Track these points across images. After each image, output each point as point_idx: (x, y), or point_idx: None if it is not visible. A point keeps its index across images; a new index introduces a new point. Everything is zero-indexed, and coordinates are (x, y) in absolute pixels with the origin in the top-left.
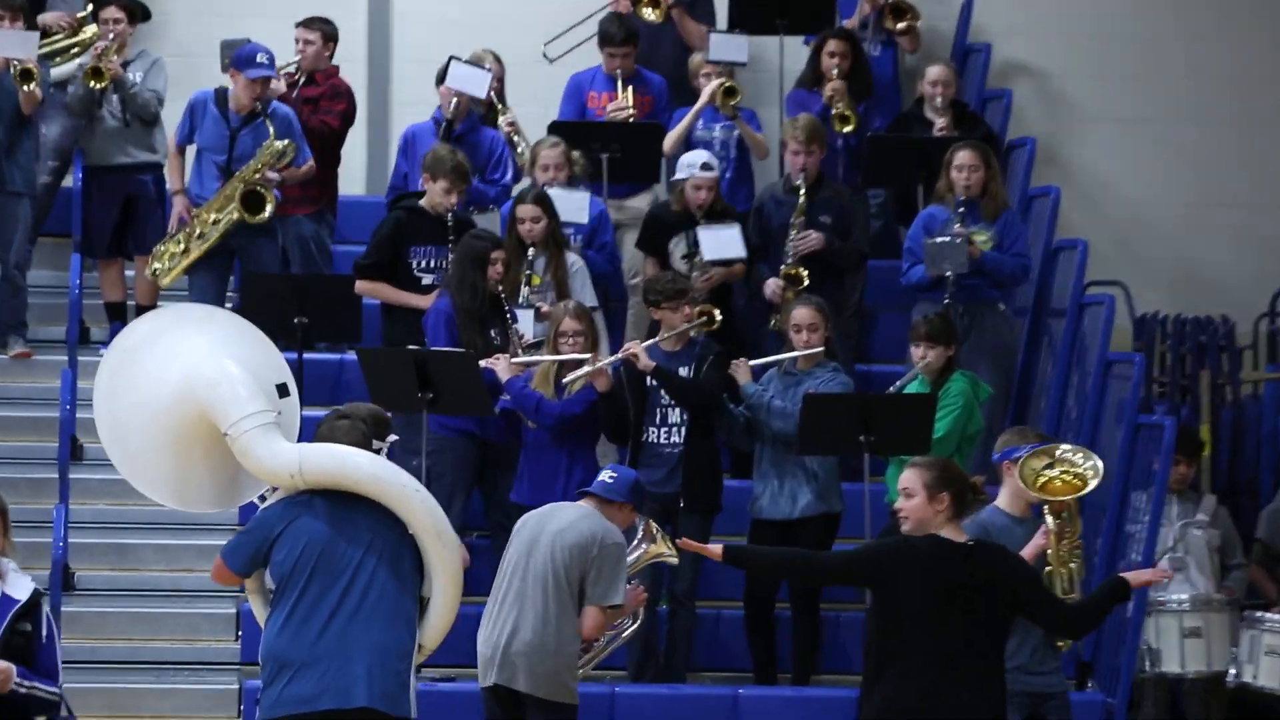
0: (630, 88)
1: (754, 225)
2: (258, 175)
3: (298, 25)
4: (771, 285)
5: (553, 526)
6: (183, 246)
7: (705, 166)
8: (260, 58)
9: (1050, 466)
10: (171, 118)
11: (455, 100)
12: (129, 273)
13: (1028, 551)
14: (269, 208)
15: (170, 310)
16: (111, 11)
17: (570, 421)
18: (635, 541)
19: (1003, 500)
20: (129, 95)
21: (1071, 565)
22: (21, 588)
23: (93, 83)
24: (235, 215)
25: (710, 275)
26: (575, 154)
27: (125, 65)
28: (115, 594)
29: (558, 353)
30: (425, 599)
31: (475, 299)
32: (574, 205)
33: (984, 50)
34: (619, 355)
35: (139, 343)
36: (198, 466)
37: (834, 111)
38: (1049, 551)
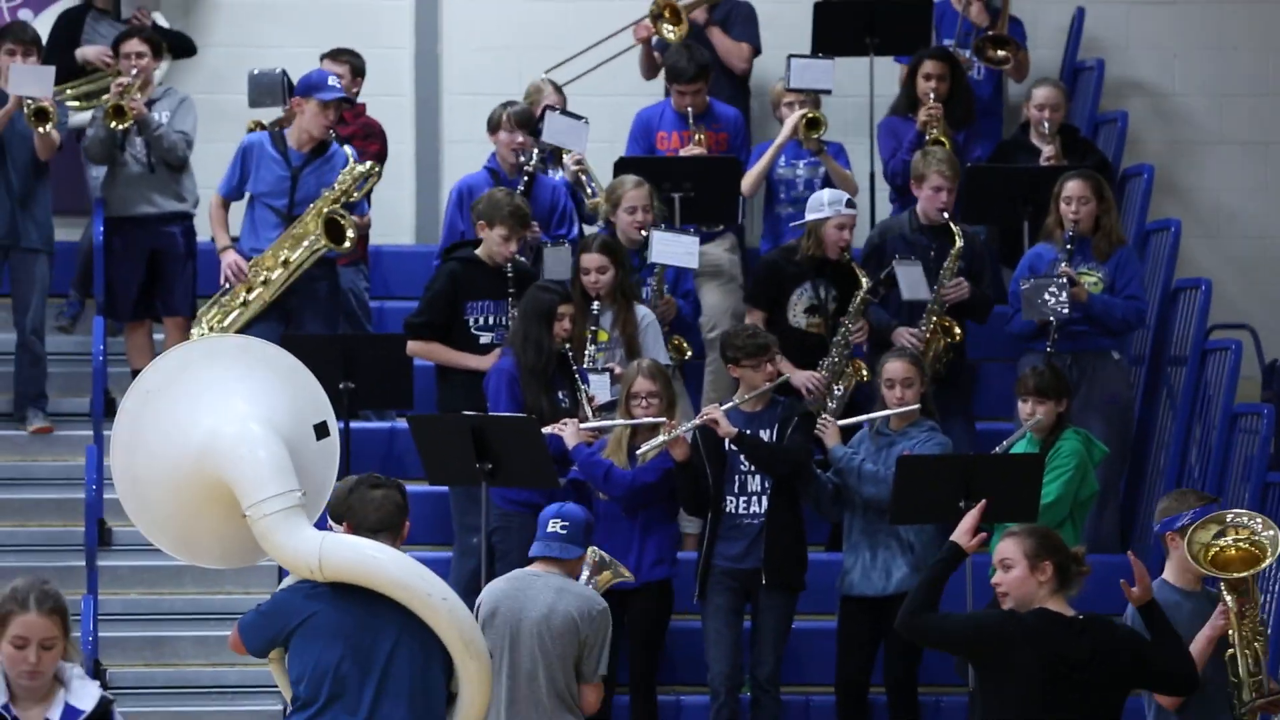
0: (702, 127)
1: (874, 268)
2: (336, 204)
3: (323, 58)
4: (905, 336)
5: (532, 615)
6: (241, 299)
7: (850, 204)
8: (332, 80)
9: (1221, 534)
10: (203, 162)
11: (536, 151)
12: (158, 336)
13: (1205, 633)
14: (351, 234)
15: (201, 344)
16: (134, 45)
17: (643, 492)
18: (585, 577)
19: (1169, 573)
20: (154, 137)
21: (1256, 644)
22: (87, 696)
23: (114, 123)
24: (319, 246)
25: (862, 326)
26: (656, 198)
27: (150, 104)
28: (151, 692)
29: (630, 417)
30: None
31: (541, 358)
32: (682, 249)
33: (1096, 68)
34: (696, 420)
35: (163, 384)
36: (218, 526)
37: (927, 139)
38: (1230, 633)
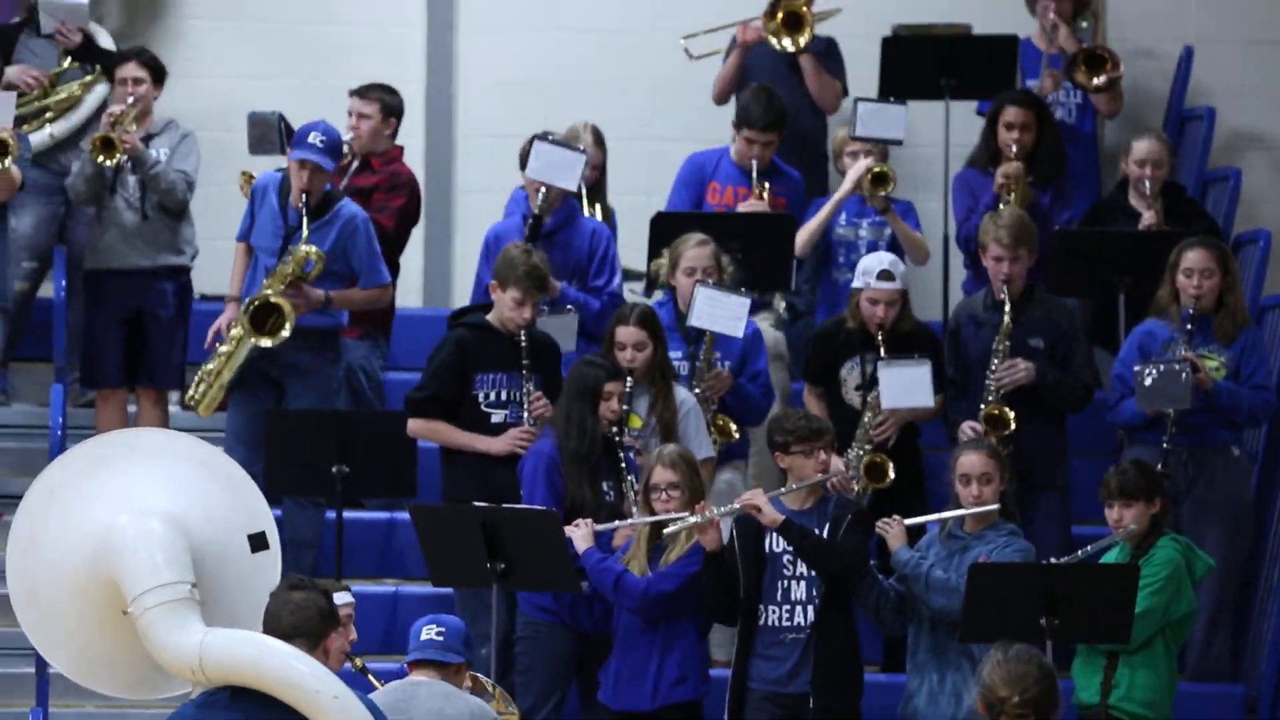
0: (765, 184)
1: (949, 354)
2: (280, 286)
3: (352, 94)
4: (967, 430)
5: None
6: (212, 368)
7: (884, 275)
8: (313, 137)
9: None
10: (205, 208)
11: (542, 190)
12: (131, 408)
13: None
14: (287, 328)
15: (114, 437)
16: (131, 69)
17: (660, 602)
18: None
19: None
20: (150, 177)
21: None
22: None
23: (102, 158)
24: (249, 342)
25: (888, 421)
26: (725, 258)
27: (147, 139)
28: None
29: (651, 512)
30: None
31: (584, 442)
32: (727, 312)
33: (1205, 117)
34: (735, 505)
35: (71, 479)
36: (117, 643)
37: (1003, 204)
38: None
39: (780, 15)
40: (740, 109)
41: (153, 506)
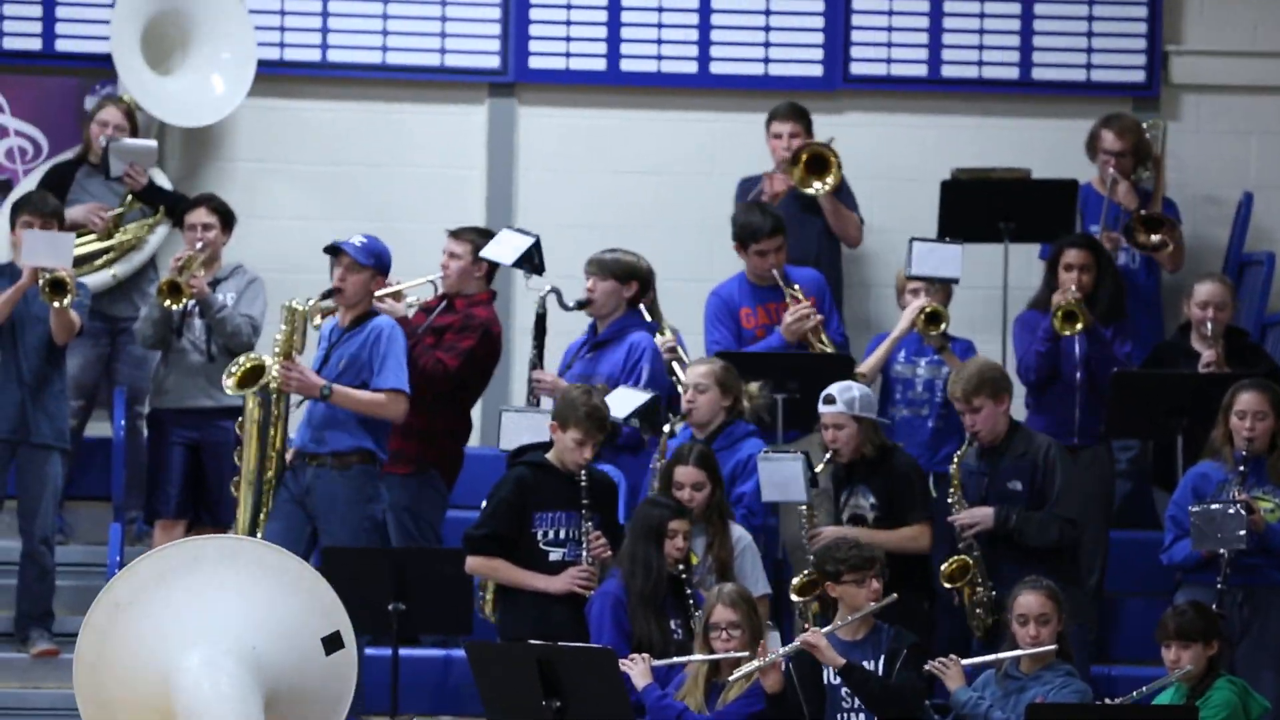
0: (791, 292)
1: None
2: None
3: (448, 235)
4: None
5: None
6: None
7: (826, 399)
8: (355, 239)
9: None
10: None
11: (547, 286)
12: None
13: None
14: (269, 383)
15: (183, 547)
16: (201, 215)
17: None
18: None
19: None
20: (217, 321)
21: None
22: None
23: (168, 303)
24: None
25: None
26: (754, 386)
27: (214, 284)
28: None
29: (710, 651)
30: None
31: (650, 581)
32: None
33: (1266, 262)
34: (794, 644)
35: (136, 594)
36: None
37: (1055, 313)
38: None
39: (805, 159)
40: (741, 227)
41: (223, 632)
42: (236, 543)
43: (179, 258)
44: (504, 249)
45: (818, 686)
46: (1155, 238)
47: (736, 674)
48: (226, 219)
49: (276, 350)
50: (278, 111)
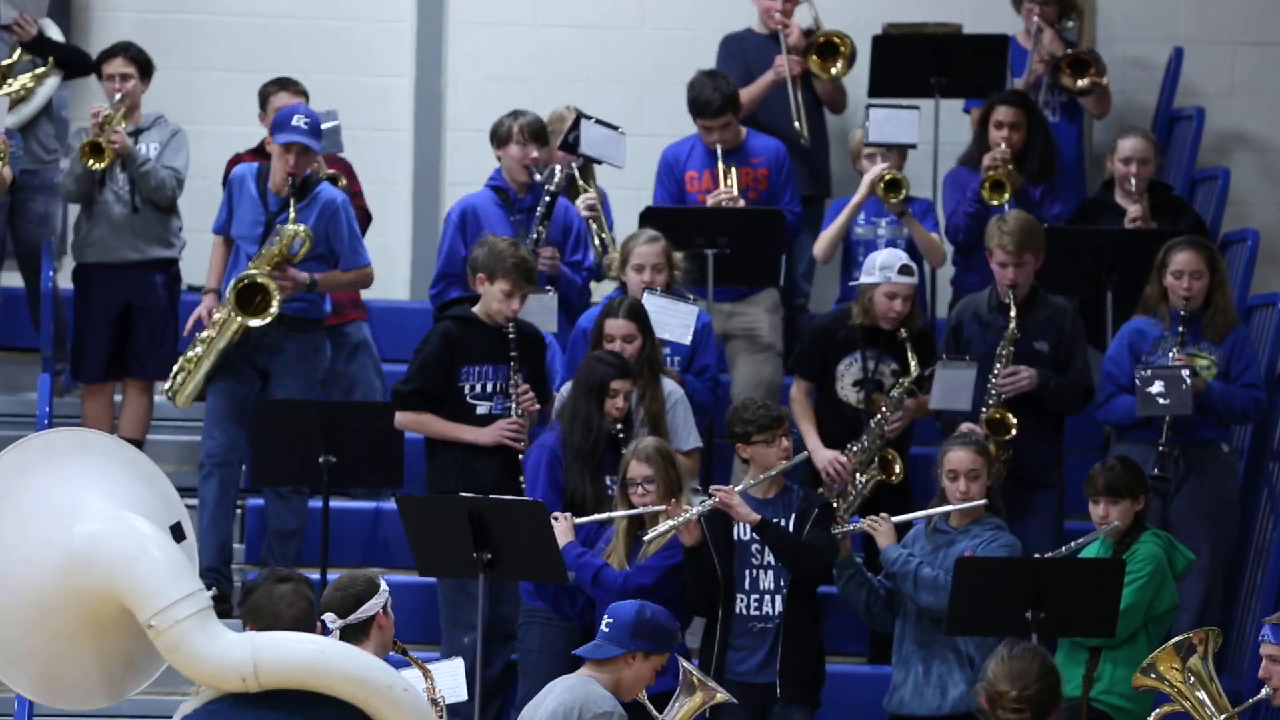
0: (732, 168)
1: (949, 350)
2: (268, 265)
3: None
4: (968, 425)
5: (527, 713)
6: (197, 353)
7: (905, 270)
8: (297, 119)
9: None
10: (192, 203)
11: (559, 169)
12: (117, 397)
13: None
14: (274, 307)
15: (32, 442)
16: (119, 65)
17: (637, 595)
18: (673, 700)
19: None
20: (140, 174)
21: None
22: None
23: (92, 163)
24: (234, 324)
25: (900, 416)
26: (678, 255)
27: (136, 134)
28: None
29: (630, 506)
30: None
31: (589, 438)
32: (677, 320)
33: (1194, 117)
34: (708, 501)
35: (3, 492)
36: (85, 655)
37: (984, 178)
38: None
39: (820, 42)
40: (690, 100)
41: (117, 510)
42: (80, 434)
43: (96, 111)
44: (611, 150)
45: (729, 544)
46: (1083, 82)
47: (653, 533)
48: (144, 68)
49: (266, 265)
50: None
